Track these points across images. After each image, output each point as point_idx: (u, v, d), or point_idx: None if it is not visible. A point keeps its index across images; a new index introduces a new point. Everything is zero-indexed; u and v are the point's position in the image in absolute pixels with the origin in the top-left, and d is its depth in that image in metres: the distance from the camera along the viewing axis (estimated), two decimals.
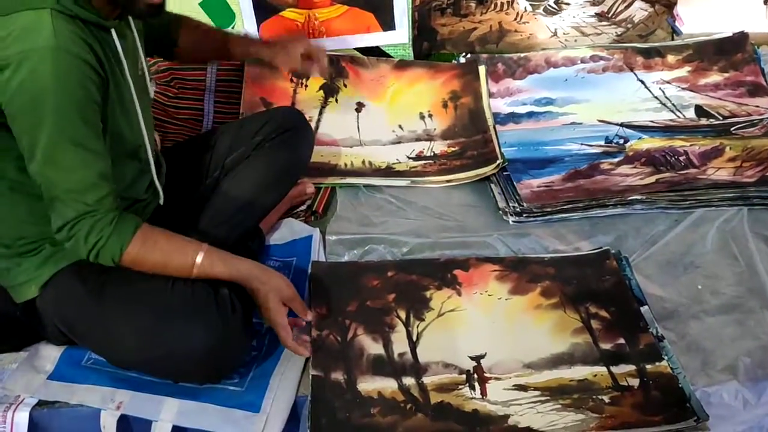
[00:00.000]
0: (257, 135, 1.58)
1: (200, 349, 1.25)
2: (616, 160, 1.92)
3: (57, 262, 1.31)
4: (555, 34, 2.26)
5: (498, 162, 1.87)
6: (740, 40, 2.22)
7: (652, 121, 2.06)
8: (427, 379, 1.36)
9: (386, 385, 1.34)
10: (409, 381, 1.35)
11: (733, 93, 2.13)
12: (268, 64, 1.72)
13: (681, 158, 1.91)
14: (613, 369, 1.37)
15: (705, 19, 2.28)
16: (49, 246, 1.31)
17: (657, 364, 1.36)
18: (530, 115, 2.08)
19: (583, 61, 2.17)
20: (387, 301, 1.51)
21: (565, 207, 1.74)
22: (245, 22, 2.10)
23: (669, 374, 1.34)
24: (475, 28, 2.24)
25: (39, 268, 1.31)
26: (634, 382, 1.34)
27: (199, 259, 1.27)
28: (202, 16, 2.09)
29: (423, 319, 1.47)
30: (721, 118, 2.07)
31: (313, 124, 1.95)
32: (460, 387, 1.36)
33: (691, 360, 1.39)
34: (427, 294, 1.53)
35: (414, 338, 1.45)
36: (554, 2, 2.24)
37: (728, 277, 1.58)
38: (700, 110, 2.09)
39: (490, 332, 1.46)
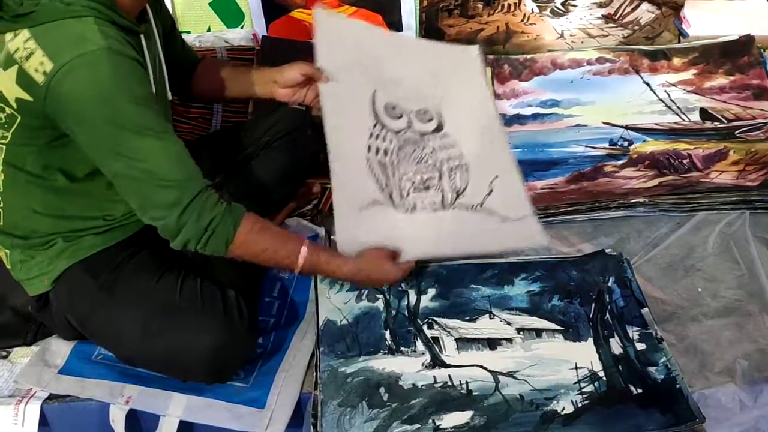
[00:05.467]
0: (264, 135, 1.59)
1: (205, 350, 1.28)
2: (619, 162, 1.93)
3: (69, 257, 1.33)
4: (561, 35, 2.28)
5: None
6: (746, 43, 2.22)
7: (656, 124, 2.07)
8: None
9: None
10: None
11: (738, 96, 2.14)
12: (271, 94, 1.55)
13: (684, 161, 1.92)
14: None
15: (712, 22, 2.28)
16: (61, 241, 1.33)
17: None
18: (535, 116, 2.09)
19: (589, 63, 2.18)
20: None
21: (568, 209, 1.75)
22: (254, 23, 2.13)
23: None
24: (482, 29, 2.26)
25: (52, 263, 1.33)
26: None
27: (304, 251, 1.30)
28: (212, 17, 2.12)
29: None
30: (725, 121, 2.07)
31: None
32: None
33: (690, 362, 1.40)
34: None
35: None
36: (561, 4, 2.26)
37: (728, 281, 1.59)
38: (704, 113, 2.10)
39: None
